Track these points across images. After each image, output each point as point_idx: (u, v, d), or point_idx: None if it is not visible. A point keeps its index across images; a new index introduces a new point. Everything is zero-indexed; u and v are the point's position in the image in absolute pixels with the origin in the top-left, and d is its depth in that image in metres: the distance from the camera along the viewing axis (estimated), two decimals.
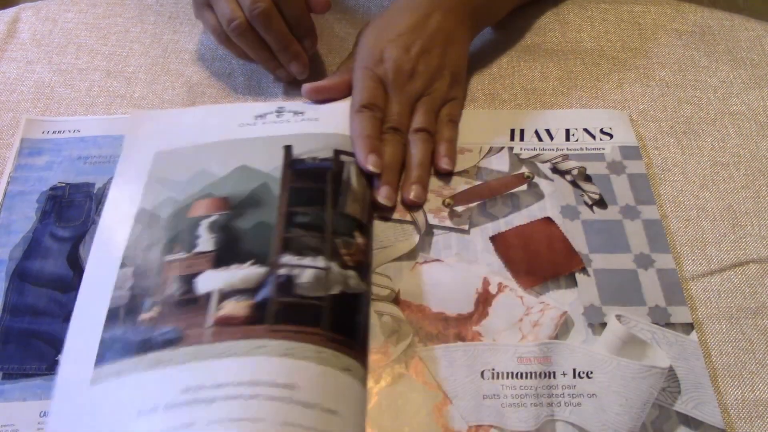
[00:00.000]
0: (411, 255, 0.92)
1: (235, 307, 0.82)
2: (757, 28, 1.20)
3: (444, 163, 1.00)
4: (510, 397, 0.81)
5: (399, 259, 0.91)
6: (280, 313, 0.82)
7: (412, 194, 0.96)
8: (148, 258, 0.88)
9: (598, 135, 1.04)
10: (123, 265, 0.88)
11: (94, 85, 1.10)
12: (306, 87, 1.05)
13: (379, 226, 0.95)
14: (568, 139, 1.04)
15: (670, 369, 0.82)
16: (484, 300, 0.88)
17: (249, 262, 0.86)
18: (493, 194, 0.97)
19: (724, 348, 0.86)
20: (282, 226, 0.89)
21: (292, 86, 1.10)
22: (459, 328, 0.86)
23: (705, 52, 1.17)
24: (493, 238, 0.93)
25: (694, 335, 0.85)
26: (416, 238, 0.93)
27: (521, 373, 0.82)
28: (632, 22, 1.20)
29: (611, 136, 1.04)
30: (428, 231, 0.94)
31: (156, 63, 1.13)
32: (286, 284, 0.84)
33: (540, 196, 0.97)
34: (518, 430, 0.79)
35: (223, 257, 0.87)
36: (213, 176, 0.95)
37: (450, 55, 1.05)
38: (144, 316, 0.83)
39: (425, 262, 0.91)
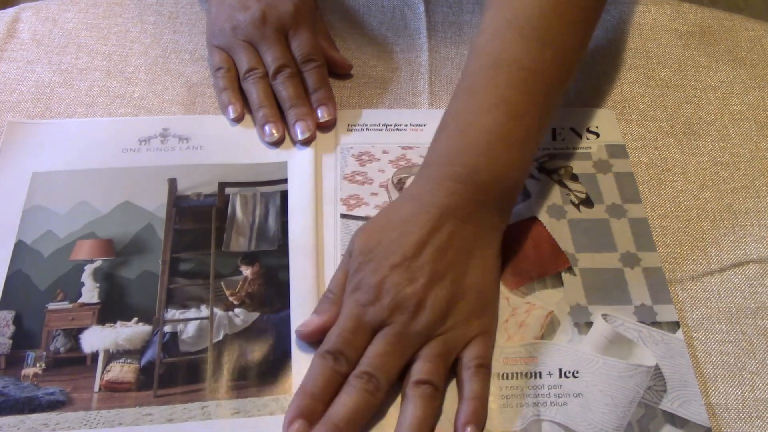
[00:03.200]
0: None
1: (122, 371, 0.82)
2: (757, 28, 1.19)
3: None
4: (496, 397, 0.81)
5: None
6: (165, 376, 0.82)
7: None
8: (29, 303, 0.87)
9: (584, 134, 1.04)
10: (2, 307, 0.87)
11: (94, 85, 1.10)
12: (299, 331, 0.84)
13: None
14: (554, 138, 1.03)
15: (657, 368, 0.82)
16: None
17: (134, 320, 0.86)
18: None
19: (725, 348, 0.85)
20: (166, 275, 0.90)
21: None
22: None
23: (705, 52, 1.16)
24: None
25: (680, 333, 0.85)
26: None
27: (507, 374, 0.82)
28: (632, 22, 1.20)
29: (598, 135, 1.03)
30: None
31: (156, 63, 1.14)
32: (171, 343, 0.85)
33: (526, 195, 0.97)
34: (504, 430, 0.79)
35: (108, 312, 0.87)
36: (95, 212, 0.94)
37: (470, 275, 0.84)
38: (28, 371, 0.82)
39: None
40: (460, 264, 0.83)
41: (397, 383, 0.80)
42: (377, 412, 0.78)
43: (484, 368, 0.81)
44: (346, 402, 0.76)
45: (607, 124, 1.06)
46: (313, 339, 0.83)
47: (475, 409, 0.78)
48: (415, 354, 0.80)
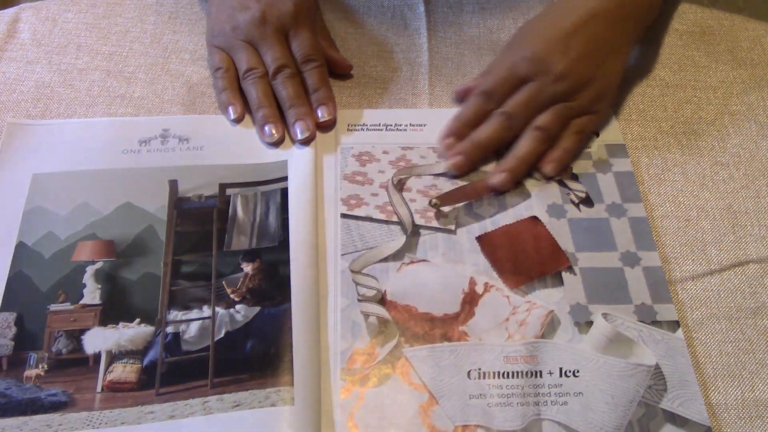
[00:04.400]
0: (397, 256, 0.92)
1: (124, 371, 0.83)
2: (757, 28, 1.19)
3: (547, 168, 0.99)
4: (496, 396, 0.81)
5: (385, 260, 0.91)
6: (167, 375, 0.83)
7: (495, 179, 0.97)
8: (31, 304, 0.87)
9: None
10: (3, 309, 0.87)
11: (94, 85, 1.10)
12: (455, 90, 1.09)
13: (365, 227, 0.94)
14: None
15: (657, 367, 0.83)
16: (470, 300, 0.88)
17: (136, 321, 0.87)
18: (480, 194, 0.97)
19: (724, 348, 0.86)
20: (168, 278, 0.90)
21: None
22: (445, 328, 0.86)
23: (705, 52, 1.16)
24: (479, 238, 0.93)
25: (680, 333, 0.85)
26: (403, 238, 0.93)
27: (507, 373, 0.83)
28: None
29: (597, 134, 1.04)
30: (415, 231, 0.94)
31: (156, 63, 1.14)
32: (173, 343, 0.85)
33: (526, 195, 0.97)
34: (505, 429, 0.79)
35: (110, 313, 0.87)
36: (96, 213, 0.94)
37: (606, 67, 1.02)
38: (30, 372, 0.83)
39: (412, 262, 0.91)
40: (601, 55, 1.01)
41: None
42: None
43: (580, 134, 1.01)
44: (485, 129, 1.00)
45: (606, 122, 1.05)
46: (466, 95, 1.06)
47: (559, 155, 0.99)
48: (544, 110, 0.99)
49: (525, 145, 0.98)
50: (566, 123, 1.00)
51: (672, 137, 1.05)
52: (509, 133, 1.00)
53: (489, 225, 0.95)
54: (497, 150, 1.01)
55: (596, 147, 1.03)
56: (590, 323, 0.86)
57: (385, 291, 0.89)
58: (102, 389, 0.81)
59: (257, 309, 0.87)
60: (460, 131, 1.01)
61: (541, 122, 0.99)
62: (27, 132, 1.02)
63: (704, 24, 1.20)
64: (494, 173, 0.98)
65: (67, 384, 0.81)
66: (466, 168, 0.99)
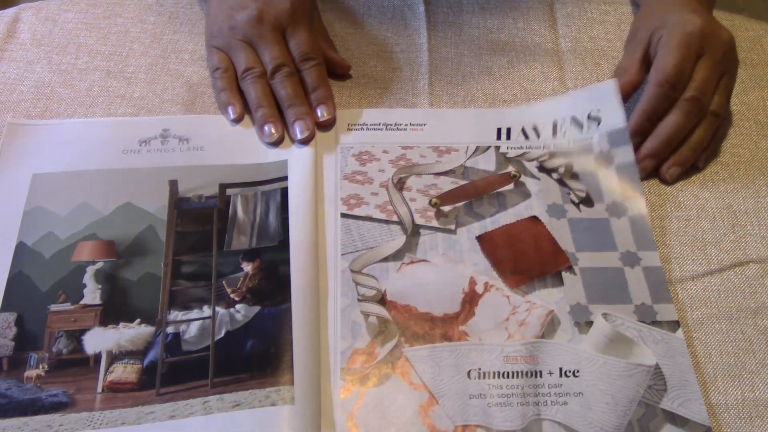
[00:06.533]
0: (397, 255, 0.92)
1: (125, 372, 0.83)
2: (757, 28, 1.19)
3: (702, 159, 1.02)
4: (496, 396, 0.81)
5: (385, 259, 0.91)
6: (167, 375, 0.83)
7: (669, 173, 0.99)
8: (31, 304, 0.87)
9: (585, 123, 1.02)
10: (3, 309, 0.87)
11: (94, 85, 1.10)
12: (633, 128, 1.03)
13: (365, 226, 0.94)
14: (555, 134, 1.03)
15: (657, 367, 0.83)
16: (470, 300, 0.88)
17: (136, 321, 0.87)
18: (480, 194, 0.97)
19: (724, 348, 0.86)
20: (168, 278, 0.90)
21: None
22: (445, 328, 0.86)
23: None
24: (479, 238, 0.93)
25: (680, 333, 0.85)
26: (402, 238, 0.93)
27: (507, 373, 0.82)
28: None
29: (599, 121, 1.02)
30: (414, 231, 0.94)
31: (156, 63, 1.14)
32: (173, 343, 0.85)
33: (526, 194, 0.97)
34: (505, 429, 0.79)
35: (110, 313, 0.87)
36: (96, 213, 0.94)
37: None
38: (30, 372, 0.83)
39: (411, 262, 0.91)
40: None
41: None
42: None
43: (718, 118, 1.01)
44: (674, 120, 0.98)
45: (608, 102, 1.03)
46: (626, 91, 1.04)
47: (714, 145, 1.02)
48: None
49: (701, 133, 1.00)
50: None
51: None
52: (697, 118, 1.00)
53: (489, 224, 0.95)
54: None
55: (597, 138, 1.01)
56: (590, 323, 0.86)
57: (385, 291, 0.89)
58: (102, 389, 0.81)
59: (257, 309, 0.87)
60: (645, 127, 1.00)
61: (717, 106, 1.00)
62: (27, 132, 1.02)
63: None
64: (669, 165, 0.99)
65: (68, 384, 0.81)
66: (655, 169, 1.00)
